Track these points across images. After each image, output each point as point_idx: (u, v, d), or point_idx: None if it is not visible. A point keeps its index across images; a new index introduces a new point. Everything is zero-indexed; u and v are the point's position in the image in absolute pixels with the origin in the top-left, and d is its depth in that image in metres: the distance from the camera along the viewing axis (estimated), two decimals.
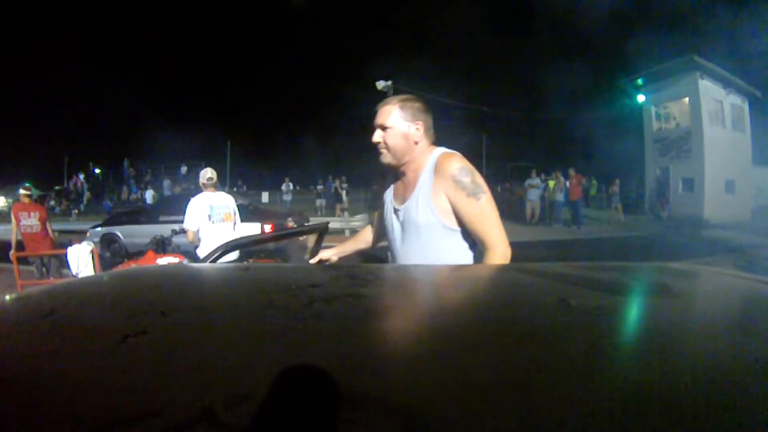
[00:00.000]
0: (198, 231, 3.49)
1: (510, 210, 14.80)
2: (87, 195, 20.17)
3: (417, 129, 1.32)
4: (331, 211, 15.61)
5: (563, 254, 8.01)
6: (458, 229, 1.27)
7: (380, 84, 13.71)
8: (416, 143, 1.33)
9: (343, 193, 15.18)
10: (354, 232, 11.14)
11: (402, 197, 1.35)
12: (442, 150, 1.33)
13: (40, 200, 15.21)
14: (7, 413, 0.35)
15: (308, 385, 0.39)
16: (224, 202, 3.59)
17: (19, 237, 5.34)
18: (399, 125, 1.31)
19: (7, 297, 0.76)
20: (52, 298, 0.75)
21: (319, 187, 16.96)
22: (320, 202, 16.65)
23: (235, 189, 15.99)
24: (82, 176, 21.75)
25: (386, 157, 1.34)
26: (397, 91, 13.37)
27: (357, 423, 0.33)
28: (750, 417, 0.34)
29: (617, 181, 14.36)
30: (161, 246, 3.78)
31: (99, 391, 0.39)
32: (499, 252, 1.21)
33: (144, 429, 0.33)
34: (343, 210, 13.84)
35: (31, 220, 5.39)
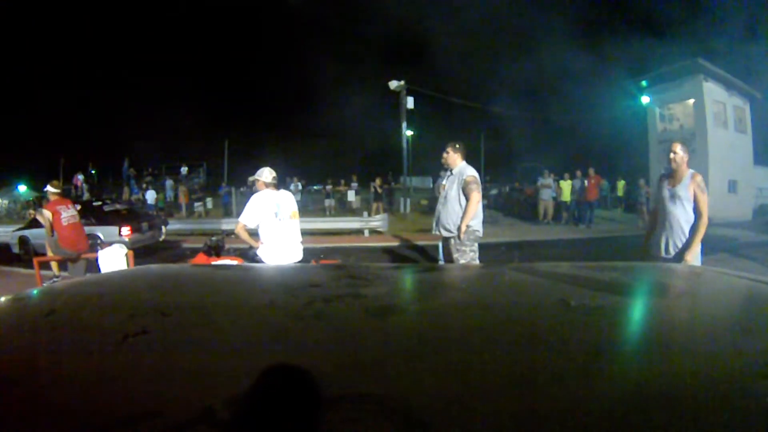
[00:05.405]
0: (258, 228, 3.33)
1: (520, 209, 14.65)
2: (87, 196, 20.12)
3: (686, 156, 2.90)
4: (340, 211, 15.36)
5: (576, 253, 7.90)
6: (692, 203, 2.83)
7: (393, 84, 13.79)
8: (685, 162, 2.91)
9: (351, 192, 15.08)
10: (373, 232, 11.03)
11: (674, 184, 2.90)
12: (693, 170, 2.89)
13: (38, 202, 14.94)
14: (7, 413, 0.35)
15: (308, 385, 0.39)
16: (289, 199, 3.52)
17: (55, 236, 4.75)
18: (682, 153, 2.87)
19: (8, 297, 0.76)
20: (52, 298, 0.75)
21: (328, 187, 16.72)
22: (329, 202, 16.32)
23: (242, 189, 15.73)
24: (81, 177, 21.68)
25: (674, 165, 2.87)
26: (410, 92, 13.57)
27: (357, 423, 0.33)
28: (750, 416, 0.34)
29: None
30: (215, 249, 3.51)
31: (99, 391, 0.39)
32: (705, 218, 2.79)
33: (144, 429, 0.33)
34: (373, 209, 13.32)
35: (71, 211, 4.89)
